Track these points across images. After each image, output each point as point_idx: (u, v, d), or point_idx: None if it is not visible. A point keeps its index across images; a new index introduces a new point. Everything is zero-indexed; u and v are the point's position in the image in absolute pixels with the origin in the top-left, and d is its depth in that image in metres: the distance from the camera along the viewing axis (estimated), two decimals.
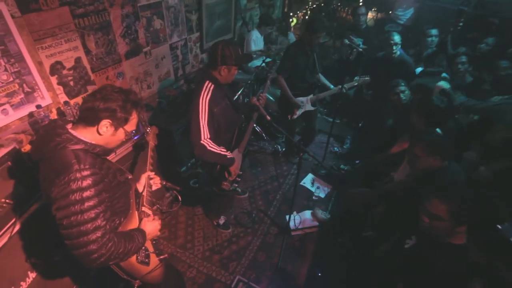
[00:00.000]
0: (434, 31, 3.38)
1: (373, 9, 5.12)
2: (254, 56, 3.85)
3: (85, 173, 1.11)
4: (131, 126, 1.31)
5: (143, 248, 1.40)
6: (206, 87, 1.88)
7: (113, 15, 2.35)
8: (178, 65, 3.32)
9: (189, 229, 2.81)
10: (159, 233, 1.47)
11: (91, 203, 1.10)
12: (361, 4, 4.82)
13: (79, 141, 1.16)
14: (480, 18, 3.78)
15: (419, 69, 3.15)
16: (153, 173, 1.67)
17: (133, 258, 1.35)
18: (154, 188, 1.64)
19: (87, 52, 2.25)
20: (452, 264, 1.44)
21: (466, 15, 3.38)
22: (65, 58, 2.12)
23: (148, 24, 2.72)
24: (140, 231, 1.33)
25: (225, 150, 2.00)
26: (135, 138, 2.09)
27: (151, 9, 2.69)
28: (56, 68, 2.09)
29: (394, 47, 3.10)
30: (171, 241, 2.69)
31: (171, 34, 3.06)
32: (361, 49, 3.00)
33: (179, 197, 2.28)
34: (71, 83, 2.22)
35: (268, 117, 2.07)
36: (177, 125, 2.77)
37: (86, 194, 1.09)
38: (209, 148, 1.87)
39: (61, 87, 2.16)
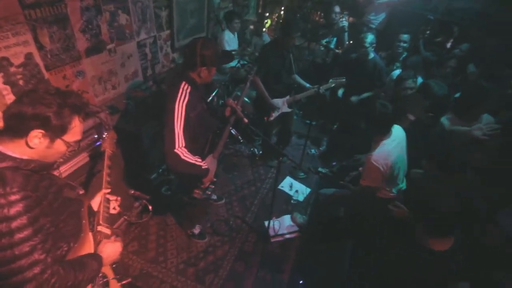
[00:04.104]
0: (405, 37, 3.48)
1: (344, 13, 5.20)
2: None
3: (13, 197, 0.90)
4: (73, 135, 1.07)
5: (100, 275, 1.21)
6: (183, 89, 1.72)
7: (71, 7, 2.11)
8: (147, 64, 3.10)
9: (161, 241, 2.60)
10: (119, 256, 1.27)
11: (22, 234, 0.90)
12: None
13: (5, 157, 0.95)
14: (445, 24, 4.00)
15: (397, 72, 3.21)
16: (110, 189, 1.41)
17: None
18: (112, 211, 1.39)
19: (40, 47, 1.99)
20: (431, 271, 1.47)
21: (433, 24, 3.78)
22: (12, 53, 1.84)
23: (112, 19, 2.49)
24: (94, 257, 1.14)
25: (200, 159, 1.84)
26: (96, 144, 1.86)
27: (115, 3, 2.46)
28: (2, 65, 1.82)
29: (369, 48, 3.13)
30: (140, 255, 2.47)
31: (139, 31, 2.84)
32: (337, 51, 2.98)
33: (149, 207, 2.09)
34: (21, 82, 1.95)
35: (246, 120, 1.96)
36: (146, 128, 2.56)
37: (15, 224, 0.89)
38: (183, 157, 1.71)
39: (8, 87, 1.89)
